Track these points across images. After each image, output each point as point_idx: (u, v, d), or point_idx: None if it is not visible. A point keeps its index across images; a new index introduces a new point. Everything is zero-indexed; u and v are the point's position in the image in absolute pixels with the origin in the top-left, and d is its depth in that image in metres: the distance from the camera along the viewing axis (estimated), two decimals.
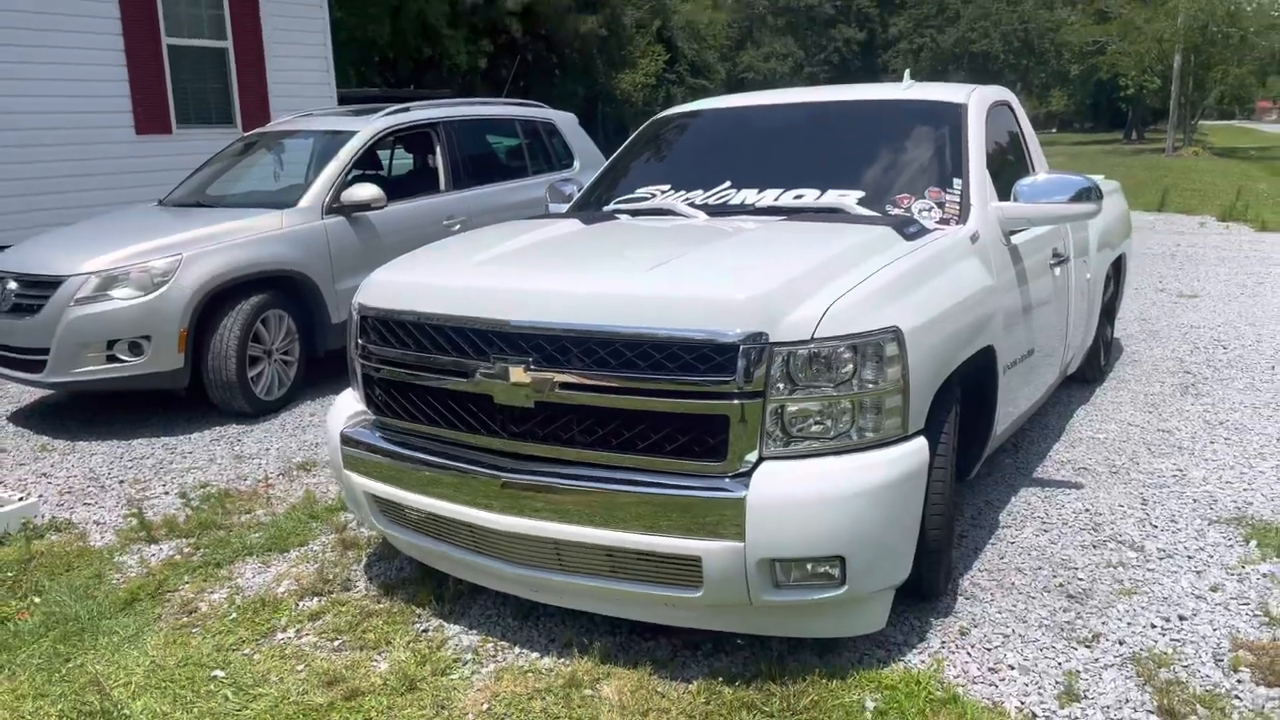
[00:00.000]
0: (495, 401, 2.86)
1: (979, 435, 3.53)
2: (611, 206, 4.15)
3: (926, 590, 3.13)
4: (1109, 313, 5.88)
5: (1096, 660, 2.88)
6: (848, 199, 3.67)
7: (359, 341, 3.25)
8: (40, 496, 4.47)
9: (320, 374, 6.15)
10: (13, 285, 5.51)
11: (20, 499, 4.23)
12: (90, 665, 3.04)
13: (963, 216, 3.59)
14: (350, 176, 6.32)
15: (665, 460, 2.70)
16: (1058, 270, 4.23)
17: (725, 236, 3.36)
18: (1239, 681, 2.76)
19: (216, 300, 5.51)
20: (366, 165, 7.08)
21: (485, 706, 2.74)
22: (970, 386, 3.34)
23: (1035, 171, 4.45)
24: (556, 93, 29.39)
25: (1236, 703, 2.66)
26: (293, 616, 3.29)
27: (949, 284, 3.12)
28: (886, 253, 3.07)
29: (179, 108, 10.41)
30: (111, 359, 5.30)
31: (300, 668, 2.98)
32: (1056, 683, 2.77)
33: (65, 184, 9.43)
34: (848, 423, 2.66)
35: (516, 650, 3.03)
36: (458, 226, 6.59)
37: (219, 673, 2.97)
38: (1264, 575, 3.36)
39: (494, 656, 3.01)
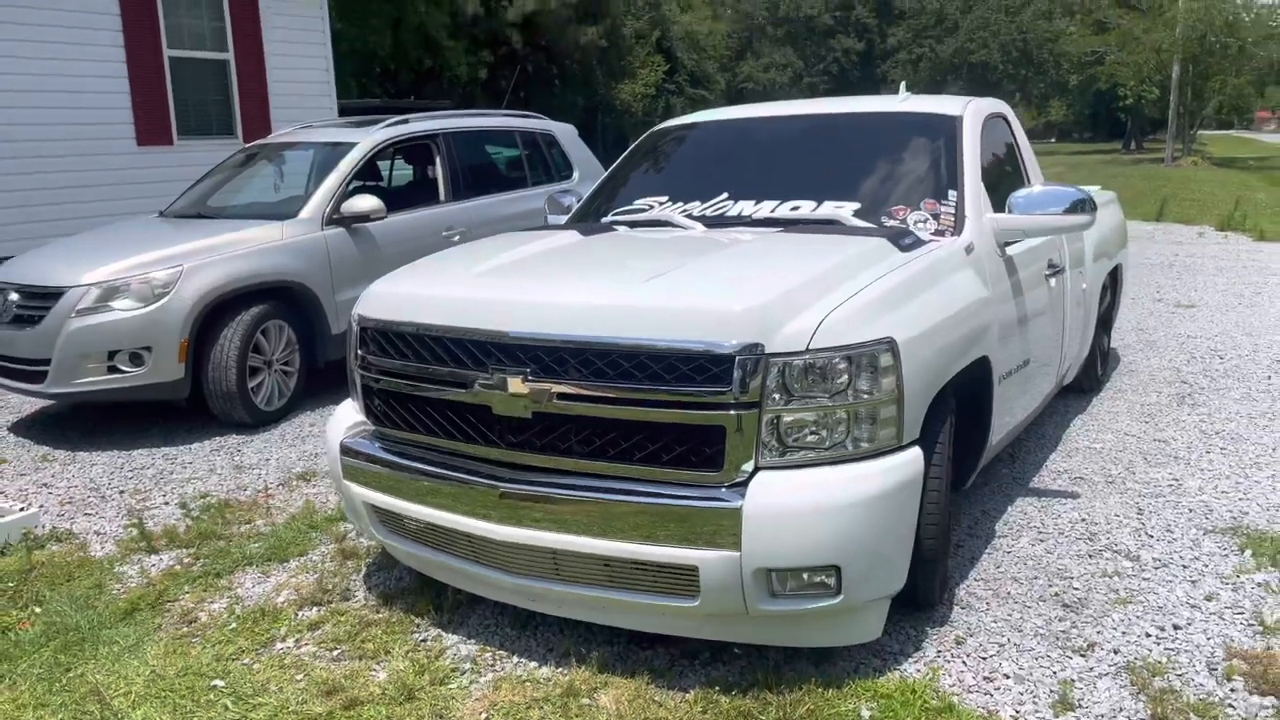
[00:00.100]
0: (494, 412, 2.89)
1: (975, 445, 3.55)
2: (610, 218, 4.18)
3: (922, 599, 3.15)
4: (1105, 323, 5.90)
5: (1091, 669, 2.89)
6: (843, 211, 3.70)
7: (358, 352, 3.28)
8: (41, 507, 4.49)
9: (320, 385, 6.17)
10: (14, 296, 5.53)
11: (21, 509, 4.24)
12: (91, 675, 3.05)
13: (958, 228, 3.62)
14: (350, 188, 6.36)
15: (662, 470, 2.71)
16: (1053, 281, 4.25)
17: (722, 248, 3.39)
18: (1233, 690, 2.77)
19: (217, 311, 5.53)
20: (366, 176, 7.12)
21: (483, 716, 2.76)
22: (966, 397, 3.37)
23: (1030, 183, 4.48)
24: (556, 103, 29.50)
25: (1230, 711, 2.68)
26: (292, 626, 3.31)
27: (944, 295, 3.15)
28: (882, 264, 3.10)
29: (180, 119, 10.44)
30: (112, 370, 5.33)
31: (299, 677, 2.99)
32: (1051, 691, 2.79)
33: (66, 195, 9.44)
34: (843, 433, 2.68)
35: (515, 659, 3.05)
36: (457, 237, 6.62)
37: (219, 682, 2.98)
38: (1258, 584, 3.38)
39: (492, 666, 3.02)
